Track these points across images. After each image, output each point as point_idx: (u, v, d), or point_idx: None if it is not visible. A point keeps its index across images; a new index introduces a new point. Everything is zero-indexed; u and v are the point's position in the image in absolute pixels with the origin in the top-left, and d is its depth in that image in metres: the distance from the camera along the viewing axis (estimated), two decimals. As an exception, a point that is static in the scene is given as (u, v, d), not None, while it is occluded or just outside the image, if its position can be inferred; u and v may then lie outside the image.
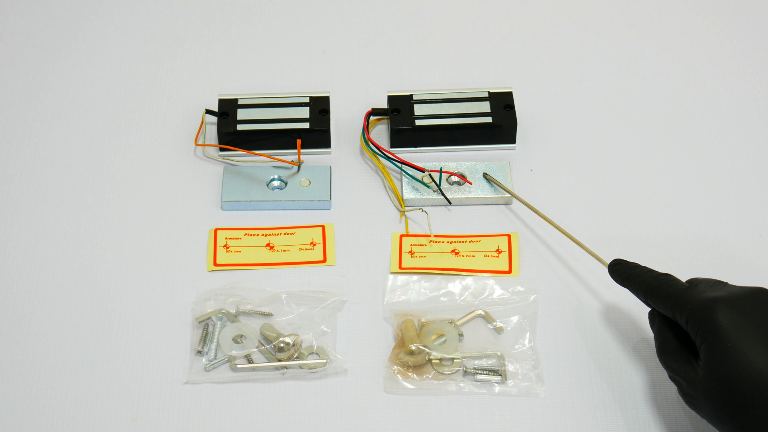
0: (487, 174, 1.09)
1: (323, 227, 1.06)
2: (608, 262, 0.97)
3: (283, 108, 1.12)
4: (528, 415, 0.94)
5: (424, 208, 1.07)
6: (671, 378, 0.90)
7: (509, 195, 1.07)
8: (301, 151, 1.11)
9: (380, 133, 1.14)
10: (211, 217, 1.07)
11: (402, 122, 1.12)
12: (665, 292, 0.90)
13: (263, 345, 0.97)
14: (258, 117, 1.11)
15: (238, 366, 0.96)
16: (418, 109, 1.12)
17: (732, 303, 0.86)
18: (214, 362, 0.97)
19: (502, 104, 1.12)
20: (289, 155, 1.11)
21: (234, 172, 1.10)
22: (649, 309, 0.93)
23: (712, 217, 1.07)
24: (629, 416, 0.94)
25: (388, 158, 1.09)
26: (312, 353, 0.97)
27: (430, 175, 1.09)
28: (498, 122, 1.12)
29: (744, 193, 1.09)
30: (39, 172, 1.10)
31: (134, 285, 1.02)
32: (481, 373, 0.96)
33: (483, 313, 1.00)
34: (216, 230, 1.06)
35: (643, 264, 0.95)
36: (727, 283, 0.90)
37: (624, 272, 0.95)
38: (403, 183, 1.09)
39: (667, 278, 0.92)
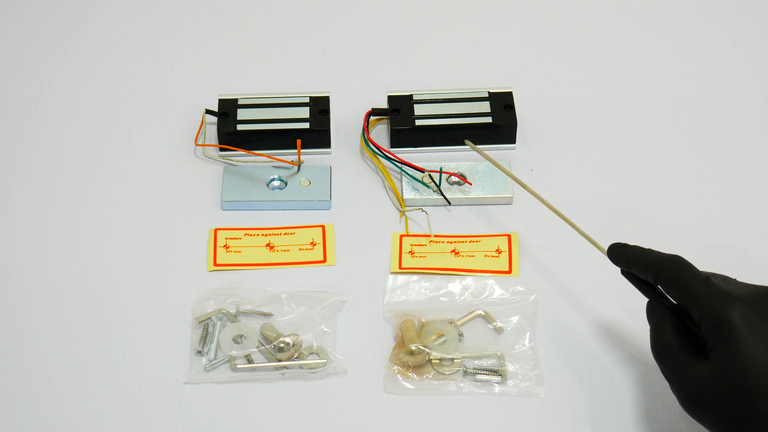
0: (467, 141, 1.07)
1: (323, 227, 1.06)
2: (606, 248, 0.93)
3: (283, 108, 1.12)
4: (528, 415, 0.94)
5: (424, 208, 1.07)
6: (665, 375, 0.86)
7: (509, 195, 1.07)
8: (301, 151, 1.11)
9: (380, 133, 1.14)
10: (211, 217, 1.07)
11: (402, 122, 1.12)
12: (681, 279, 0.85)
13: (263, 345, 0.97)
14: (258, 117, 1.11)
15: (238, 366, 0.96)
16: (418, 109, 1.12)
17: (755, 306, 0.81)
18: (214, 362, 0.97)
19: (502, 104, 1.12)
20: (289, 155, 1.11)
21: (234, 172, 1.10)
22: (648, 300, 0.90)
23: (712, 217, 1.07)
24: (629, 417, 0.94)
25: (388, 158, 1.09)
26: (312, 353, 0.97)
27: (430, 175, 1.08)
28: (498, 122, 1.11)
29: (745, 193, 1.09)
30: (39, 172, 1.10)
31: (134, 285, 1.02)
32: (481, 373, 0.96)
33: (483, 313, 1.00)
34: (216, 230, 1.06)
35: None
36: (736, 279, 0.87)
37: (627, 254, 0.90)
38: (403, 183, 1.09)
39: (682, 262, 0.86)
